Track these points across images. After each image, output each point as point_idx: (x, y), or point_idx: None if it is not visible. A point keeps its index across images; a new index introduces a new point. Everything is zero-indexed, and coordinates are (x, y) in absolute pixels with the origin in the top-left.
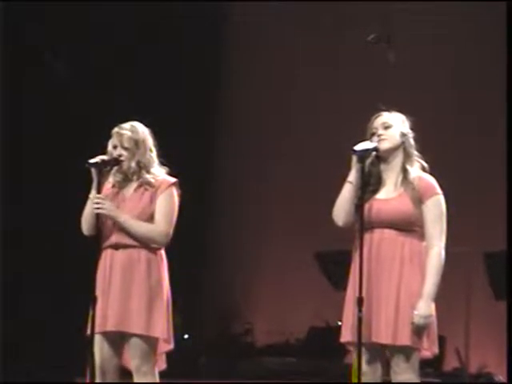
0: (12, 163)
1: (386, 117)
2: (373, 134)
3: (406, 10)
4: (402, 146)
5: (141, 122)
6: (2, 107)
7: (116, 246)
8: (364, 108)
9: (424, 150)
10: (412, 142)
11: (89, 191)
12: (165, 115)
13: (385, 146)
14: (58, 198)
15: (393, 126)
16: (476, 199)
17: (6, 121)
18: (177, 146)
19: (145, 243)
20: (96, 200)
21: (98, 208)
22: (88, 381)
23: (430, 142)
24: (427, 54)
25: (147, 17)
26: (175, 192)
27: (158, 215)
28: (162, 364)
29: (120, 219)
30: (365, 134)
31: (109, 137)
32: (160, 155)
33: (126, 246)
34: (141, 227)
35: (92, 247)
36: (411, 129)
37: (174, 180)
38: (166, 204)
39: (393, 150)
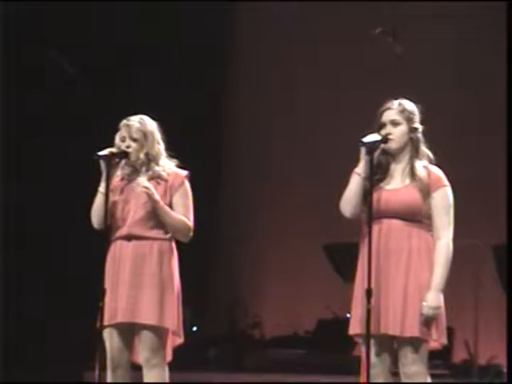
0: (14, 160)
1: (396, 112)
2: (381, 127)
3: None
4: (410, 141)
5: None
6: (4, 105)
7: (128, 237)
8: (368, 106)
9: (430, 140)
10: (421, 136)
11: (93, 185)
12: (165, 115)
13: (393, 146)
14: (62, 194)
15: (401, 124)
16: (484, 191)
17: (8, 119)
18: (179, 145)
19: (173, 233)
20: (144, 184)
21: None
22: (97, 373)
23: (435, 130)
24: (428, 53)
25: (147, 16)
26: (188, 185)
27: (183, 212)
28: (168, 356)
29: (160, 204)
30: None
31: (111, 135)
32: (167, 149)
33: (138, 238)
34: (176, 215)
35: (97, 241)
36: (421, 116)
37: (186, 173)
38: (187, 200)
39: (401, 149)
